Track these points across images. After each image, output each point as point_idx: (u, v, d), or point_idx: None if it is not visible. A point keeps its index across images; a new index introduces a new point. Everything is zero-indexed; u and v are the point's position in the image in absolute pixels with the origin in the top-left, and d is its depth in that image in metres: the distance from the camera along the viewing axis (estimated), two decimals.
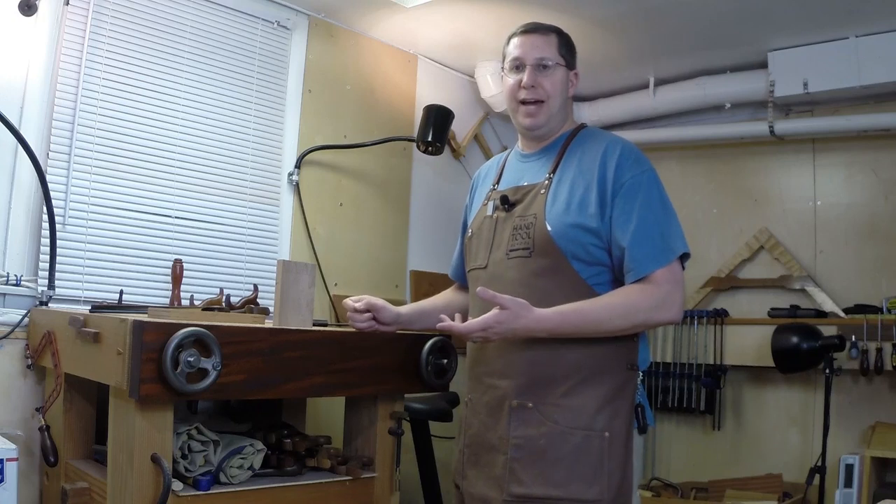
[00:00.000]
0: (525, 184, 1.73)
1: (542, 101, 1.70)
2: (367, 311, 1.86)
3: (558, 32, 1.75)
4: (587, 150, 1.69)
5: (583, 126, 1.78)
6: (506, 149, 1.96)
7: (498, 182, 1.82)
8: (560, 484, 1.55)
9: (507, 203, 1.71)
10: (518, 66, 1.72)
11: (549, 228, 1.61)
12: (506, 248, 1.68)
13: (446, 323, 1.57)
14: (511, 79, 1.73)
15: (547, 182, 1.67)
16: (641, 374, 1.66)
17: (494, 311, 1.51)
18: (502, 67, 1.79)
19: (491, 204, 1.78)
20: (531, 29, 1.74)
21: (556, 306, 1.54)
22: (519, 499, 1.57)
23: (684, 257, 1.61)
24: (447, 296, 2.05)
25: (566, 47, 1.75)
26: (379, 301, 1.88)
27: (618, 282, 1.63)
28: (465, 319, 1.64)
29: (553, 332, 1.54)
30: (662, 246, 1.57)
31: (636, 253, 1.56)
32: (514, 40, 1.75)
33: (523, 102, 1.71)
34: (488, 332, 1.52)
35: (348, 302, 1.90)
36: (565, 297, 1.57)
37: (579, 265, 1.60)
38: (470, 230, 1.83)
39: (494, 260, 1.71)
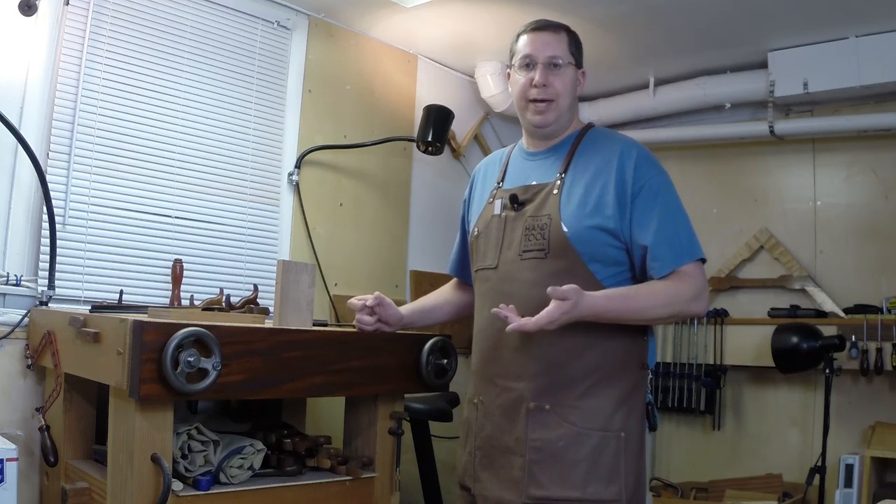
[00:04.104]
0: (534, 183, 1.71)
1: (552, 100, 1.69)
2: (378, 304, 1.87)
3: (568, 30, 1.74)
4: (600, 150, 1.68)
5: (590, 125, 1.77)
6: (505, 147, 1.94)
7: (503, 180, 1.80)
8: (578, 485, 1.55)
9: (516, 202, 1.69)
10: (529, 63, 1.69)
11: (565, 230, 1.60)
12: (518, 249, 1.66)
13: (517, 323, 1.51)
14: (521, 77, 1.71)
15: (559, 182, 1.66)
16: (650, 372, 1.67)
17: (557, 303, 1.48)
18: (509, 65, 1.76)
19: (498, 202, 1.75)
20: (542, 26, 1.72)
21: (602, 290, 1.55)
22: (538, 501, 1.57)
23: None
24: (445, 293, 2.03)
25: (575, 45, 1.73)
26: (386, 298, 1.89)
27: (636, 281, 1.64)
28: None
29: (600, 316, 1.53)
30: (685, 245, 1.60)
31: (660, 252, 1.58)
32: (525, 37, 1.72)
33: (533, 101, 1.70)
34: (554, 323, 1.49)
35: (355, 302, 1.90)
36: None
37: (595, 266, 1.60)
38: (476, 229, 1.80)
39: (506, 260, 1.69)
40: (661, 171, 1.66)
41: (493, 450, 1.67)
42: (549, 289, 1.48)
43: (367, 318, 1.88)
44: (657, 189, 1.62)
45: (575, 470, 1.56)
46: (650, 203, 1.60)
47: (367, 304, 1.87)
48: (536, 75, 1.68)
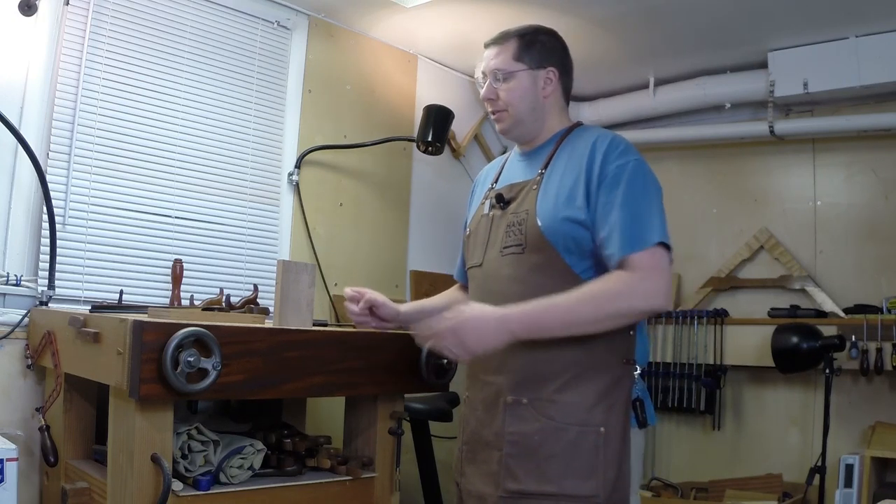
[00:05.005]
0: (519, 181, 1.74)
1: (504, 110, 1.73)
2: (369, 306, 1.87)
3: (520, 35, 1.73)
4: (577, 145, 1.69)
5: (578, 124, 1.78)
6: (506, 149, 1.96)
7: (496, 181, 1.83)
8: (554, 480, 1.54)
9: (502, 201, 1.73)
10: (482, 79, 1.76)
11: (539, 223, 1.61)
12: (500, 246, 1.69)
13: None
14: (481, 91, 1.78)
15: (538, 178, 1.68)
16: (639, 368, 1.64)
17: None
18: None
19: (487, 202, 1.79)
20: (490, 41, 1.76)
21: (521, 304, 1.53)
22: (513, 495, 1.57)
23: (666, 247, 1.55)
24: (449, 295, 2.04)
25: (528, 49, 1.72)
26: (379, 298, 1.88)
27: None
28: None
29: (529, 330, 1.52)
30: (639, 231, 1.54)
31: (613, 239, 1.54)
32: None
33: (491, 112, 1.76)
34: (446, 335, 1.51)
35: (347, 291, 1.90)
36: (558, 290, 1.57)
37: (571, 259, 1.60)
38: (468, 229, 1.85)
39: (490, 258, 1.71)
40: (630, 159, 1.60)
41: (476, 444, 1.69)
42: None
43: (353, 307, 1.87)
44: (621, 176, 1.58)
45: (551, 464, 1.55)
46: (612, 191, 1.57)
47: (356, 308, 1.87)
48: (483, 90, 1.74)
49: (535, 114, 1.74)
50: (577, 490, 1.54)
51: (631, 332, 1.64)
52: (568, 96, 1.80)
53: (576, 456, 1.55)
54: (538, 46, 1.73)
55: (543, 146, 1.75)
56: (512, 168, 1.82)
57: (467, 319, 1.51)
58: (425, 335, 1.55)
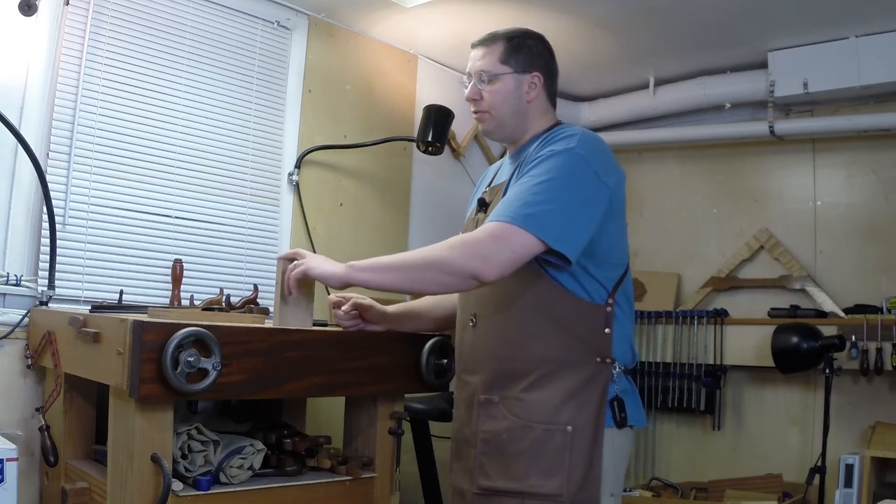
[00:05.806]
0: (498, 183, 1.76)
1: (486, 112, 1.74)
2: (354, 308, 1.89)
3: (508, 38, 1.72)
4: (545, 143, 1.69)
5: (557, 123, 1.76)
6: (506, 150, 1.96)
7: (490, 184, 1.85)
8: (520, 477, 1.56)
9: (484, 205, 1.76)
10: (467, 79, 1.77)
11: None
12: None
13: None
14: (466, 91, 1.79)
15: (510, 179, 1.69)
16: (620, 367, 1.61)
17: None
18: None
19: (475, 206, 1.81)
20: (477, 42, 1.76)
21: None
22: (485, 491, 1.61)
23: (536, 237, 1.49)
24: (442, 297, 2.04)
25: (514, 52, 1.71)
26: (366, 300, 1.90)
27: (583, 273, 1.59)
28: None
29: (364, 268, 1.63)
30: (512, 209, 1.51)
31: (493, 211, 1.57)
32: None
33: (474, 112, 1.78)
34: (301, 254, 1.72)
35: (332, 298, 1.92)
36: (526, 289, 1.59)
37: (538, 257, 1.58)
38: (461, 232, 1.85)
39: None
40: (565, 148, 1.57)
41: (460, 442, 1.73)
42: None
43: (339, 312, 1.90)
44: (544, 159, 1.57)
45: (517, 462, 1.57)
46: (527, 170, 1.57)
47: (342, 310, 1.89)
48: (467, 90, 1.75)
49: (518, 117, 1.74)
50: (539, 488, 1.54)
51: (607, 330, 1.62)
52: (553, 100, 1.80)
53: (542, 454, 1.56)
54: (525, 51, 1.73)
55: (524, 147, 1.75)
56: (502, 170, 1.84)
57: (314, 258, 1.71)
58: (290, 253, 1.77)
